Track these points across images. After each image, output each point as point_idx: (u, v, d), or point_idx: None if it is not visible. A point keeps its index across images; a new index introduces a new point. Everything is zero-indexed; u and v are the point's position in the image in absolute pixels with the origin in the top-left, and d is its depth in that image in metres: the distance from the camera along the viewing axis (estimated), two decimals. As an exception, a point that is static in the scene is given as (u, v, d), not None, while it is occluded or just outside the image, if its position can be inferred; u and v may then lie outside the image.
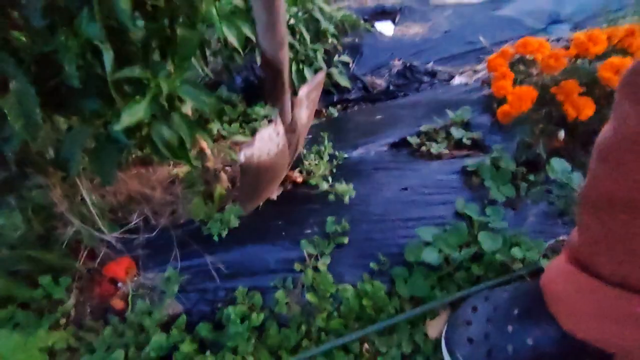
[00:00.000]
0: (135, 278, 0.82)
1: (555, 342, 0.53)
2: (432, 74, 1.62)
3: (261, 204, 0.88)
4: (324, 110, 1.51)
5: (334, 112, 1.42)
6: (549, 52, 0.87)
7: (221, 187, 0.88)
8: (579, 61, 0.84)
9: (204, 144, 0.85)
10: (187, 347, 0.68)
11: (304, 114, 0.83)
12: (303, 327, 0.70)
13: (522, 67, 1.01)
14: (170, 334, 0.69)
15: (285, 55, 0.70)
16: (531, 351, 0.55)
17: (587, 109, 0.74)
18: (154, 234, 0.89)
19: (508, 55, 1.06)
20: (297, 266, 0.76)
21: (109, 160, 0.61)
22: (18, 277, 0.77)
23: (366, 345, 0.66)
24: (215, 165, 0.89)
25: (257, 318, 0.71)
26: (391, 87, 1.58)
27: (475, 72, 1.58)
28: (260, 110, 1.41)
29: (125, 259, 0.84)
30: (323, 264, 0.75)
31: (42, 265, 0.78)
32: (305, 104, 0.81)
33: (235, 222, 0.84)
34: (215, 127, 1.20)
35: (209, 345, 0.71)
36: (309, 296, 0.71)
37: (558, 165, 0.76)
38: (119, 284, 0.81)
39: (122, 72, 0.51)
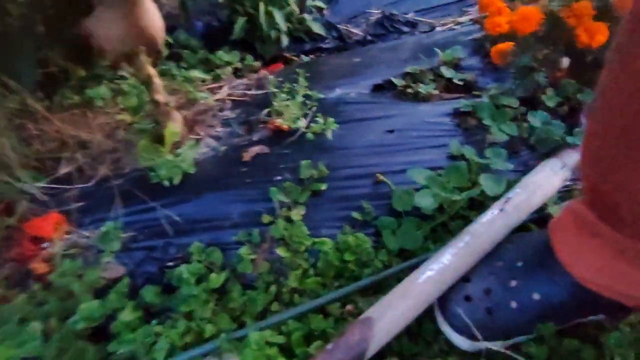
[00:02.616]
0: (66, 236, 0.67)
1: (564, 294, 0.46)
2: (412, 25, 1.49)
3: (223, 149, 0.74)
4: (296, 59, 1.36)
5: (307, 60, 1.28)
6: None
7: (174, 125, 0.73)
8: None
9: (151, 71, 0.69)
10: (128, 315, 0.55)
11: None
12: (272, 288, 0.58)
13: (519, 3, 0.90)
14: (105, 300, 0.55)
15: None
16: (538, 306, 0.47)
17: (599, 34, 0.65)
18: (90, 184, 0.73)
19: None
20: (265, 218, 0.64)
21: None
22: None
23: (348, 307, 0.55)
24: (167, 99, 0.73)
25: (216, 279, 0.58)
26: (368, 37, 1.44)
27: (459, 24, 1.47)
28: (224, 55, 1.24)
29: (52, 215, 0.68)
30: (297, 214, 0.63)
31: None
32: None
33: (190, 167, 0.70)
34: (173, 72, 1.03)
35: (156, 312, 0.58)
36: (279, 251, 0.60)
37: (535, 118, 0.68)
38: (45, 244, 0.66)
39: None
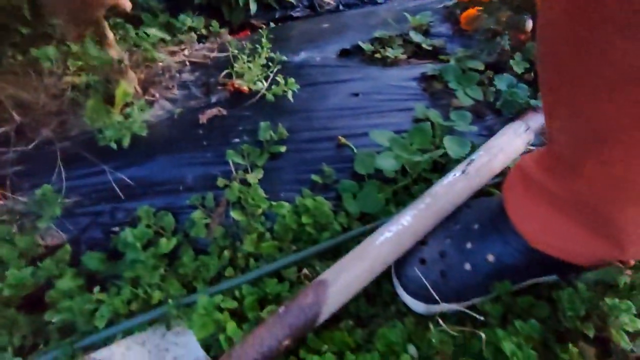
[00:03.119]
0: (1, 202, 0.62)
1: (517, 255, 0.45)
2: (387, -5, 1.46)
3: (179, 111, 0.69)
4: (264, 27, 1.30)
5: (275, 27, 1.22)
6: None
7: (127, 84, 0.68)
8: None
9: (105, 25, 0.63)
10: (66, 283, 0.51)
11: None
12: (226, 253, 0.55)
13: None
14: (39, 267, 0.51)
15: None
16: (491, 267, 0.46)
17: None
18: (30, 147, 0.67)
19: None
20: (220, 181, 0.60)
21: None
22: None
23: (305, 271, 0.53)
24: (121, 56, 0.68)
25: (166, 244, 0.55)
26: (341, 7, 1.40)
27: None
28: (187, 20, 1.17)
29: (-14, 178, 0.63)
30: (254, 177, 0.60)
31: None
32: None
33: (142, 130, 0.65)
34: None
35: (101, 280, 0.54)
36: (234, 214, 0.56)
37: (501, 82, 0.66)
38: (-23, 210, 0.60)
39: None
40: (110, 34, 0.67)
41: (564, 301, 0.39)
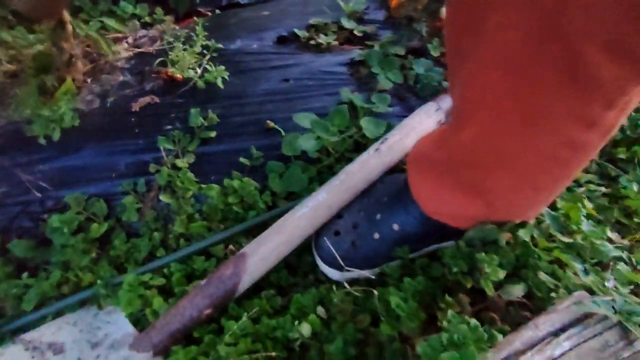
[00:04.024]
0: None
1: (417, 224, 0.50)
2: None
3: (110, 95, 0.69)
4: (210, 14, 1.30)
5: (218, 13, 1.22)
6: None
7: (74, 76, 0.67)
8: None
9: (66, 17, 0.62)
10: (-6, 269, 0.52)
11: None
12: (157, 235, 0.58)
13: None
14: (-33, 253, 0.52)
15: None
16: (397, 235, 0.51)
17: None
18: (-45, 139, 0.67)
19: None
20: (152, 167, 0.62)
21: None
22: None
23: (231, 247, 0.56)
24: (73, 49, 0.67)
25: (97, 228, 0.57)
26: (288, -6, 1.41)
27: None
28: (128, 7, 1.16)
29: None
30: (184, 162, 0.62)
31: None
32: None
33: (73, 120, 0.66)
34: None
35: (32, 267, 0.56)
36: (163, 197, 0.59)
37: (419, 66, 0.71)
38: None
39: None
40: (69, 26, 0.66)
41: (447, 258, 0.44)
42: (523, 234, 0.43)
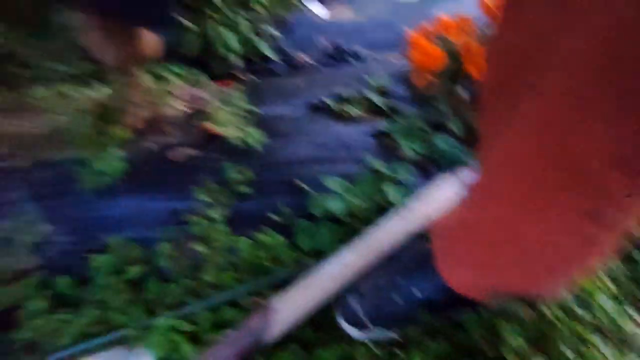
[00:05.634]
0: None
1: (438, 292, 0.52)
2: (357, 57, 1.62)
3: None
4: (245, 78, 1.42)
5: (255, 79, 1.34)
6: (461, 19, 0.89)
7: (130, 124, 0.75)
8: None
9: (139, 73, 0.72)
10: (36, 304, 0.55)
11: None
12: (188, 282, 0.61)
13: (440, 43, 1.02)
14: (10, 288, 0.56)
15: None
16: (417, 299, 0.53)
17: (489, 71, 0.76)
18: (11, 177, 0.73)
19: (427, 31, 1.08)
20: (187, 217, 0.67)
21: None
22: None
23: (256, 299, 0.59)
24: (135, 99, 0.76)
25: (133, 271, 0.61)
26: (315, 64, 1.55)
27: (394, 58, 1.61)
28: (174, 68, 1.28)
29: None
30: (218, 213, 0.67)
31: None
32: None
33: (120, 167, 0.72)
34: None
35: (70, 303, 0.59)
36: (198, 247, 0.63)
37: (441, 140, 0.78)
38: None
39: None
40: (137, 77, 0.75)
41: (468, 324, 0.46)
42: (544, 309, 0.45)
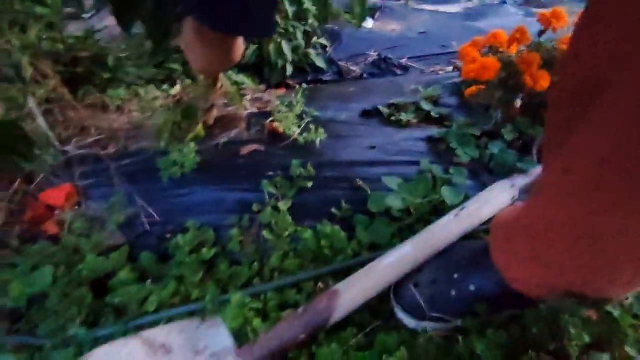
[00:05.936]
0: (76, 207, 0.75)
1: (495, 289, 0.54)
2: (405, 68, 1.67)
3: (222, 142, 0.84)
4: (297, 87, 1.50)
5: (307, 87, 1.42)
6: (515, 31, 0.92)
7: (207, 122, 0.83)
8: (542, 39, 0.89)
9: (221, 78, 0.80)
10: (126, 274, 0.62)
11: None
12: (255, 266, 0.66)
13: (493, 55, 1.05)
14: (108, 258, 0.63)
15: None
16: (473, 295, 0.55)
17: (543, 80, 0.78)
18: (103, 164, 0.82)
19: (479, 44, 1.11)
20: (255, 207, 0.73)
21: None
22: None
23: (320, 285, 0.63)
24: (215, 100, 0.84)
25: (207, 252, 0.67)
26: (365, 75, 1.60)
27: (444, 70, 1.64)
28: (233, 76, 1.37)
29: (66, 186, 0.77)
30: (284, 205, 0.72)
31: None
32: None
33: (195, 160, 0.80)
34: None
35: (151, 276, 0.65)
36: (265, 234, 0.68)
37: (494, 147, 0.80)
38: (56, 211, 0.74)
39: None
40: (220, 81, 0.83)
41: (527, 319, 0.48)
42: (610, 309, 0.46)
